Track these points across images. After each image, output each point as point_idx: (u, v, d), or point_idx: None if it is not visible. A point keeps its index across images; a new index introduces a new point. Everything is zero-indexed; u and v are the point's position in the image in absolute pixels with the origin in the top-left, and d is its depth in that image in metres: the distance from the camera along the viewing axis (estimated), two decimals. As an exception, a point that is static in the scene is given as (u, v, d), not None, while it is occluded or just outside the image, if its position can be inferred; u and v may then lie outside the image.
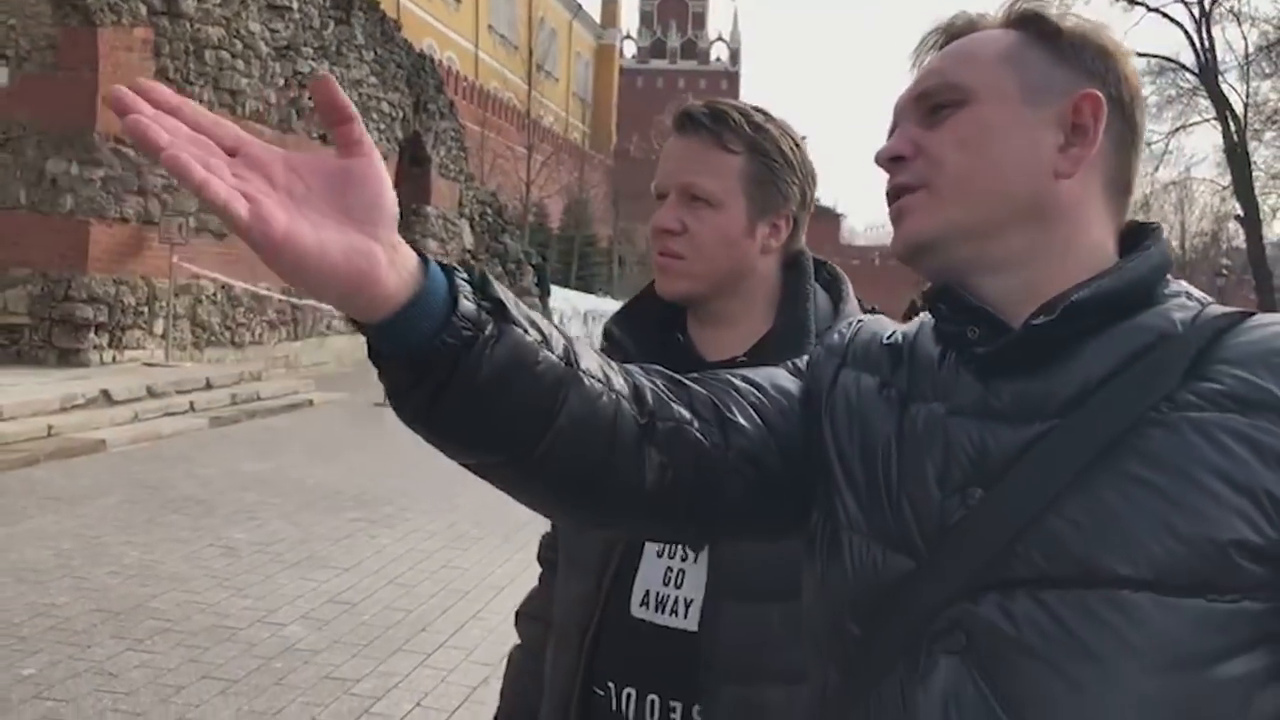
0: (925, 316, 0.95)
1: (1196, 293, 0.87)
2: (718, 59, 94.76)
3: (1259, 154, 25.61)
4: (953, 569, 0.82)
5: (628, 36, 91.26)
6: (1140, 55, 22.27)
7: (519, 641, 1.63)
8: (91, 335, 11.38)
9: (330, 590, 5.36)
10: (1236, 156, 24.19)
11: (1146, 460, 0.77)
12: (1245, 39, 24.78)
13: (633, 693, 1.32)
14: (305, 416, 11.56)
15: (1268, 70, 24.50)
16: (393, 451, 9.13)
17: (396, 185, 0.75)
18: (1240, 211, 25.56)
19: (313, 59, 15.29)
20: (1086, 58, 0.87)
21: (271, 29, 14.31)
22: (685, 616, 1.30)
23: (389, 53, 18.05)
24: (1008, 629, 0.79)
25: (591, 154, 52.11)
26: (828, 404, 0.96)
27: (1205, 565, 0.74)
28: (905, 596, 0.85)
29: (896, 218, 0.90)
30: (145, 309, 12.08)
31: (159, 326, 12.21)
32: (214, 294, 13.23)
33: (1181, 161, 68.26)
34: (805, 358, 1.04)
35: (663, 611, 1.31)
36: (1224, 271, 35.06)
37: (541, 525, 1.67)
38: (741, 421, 0.92)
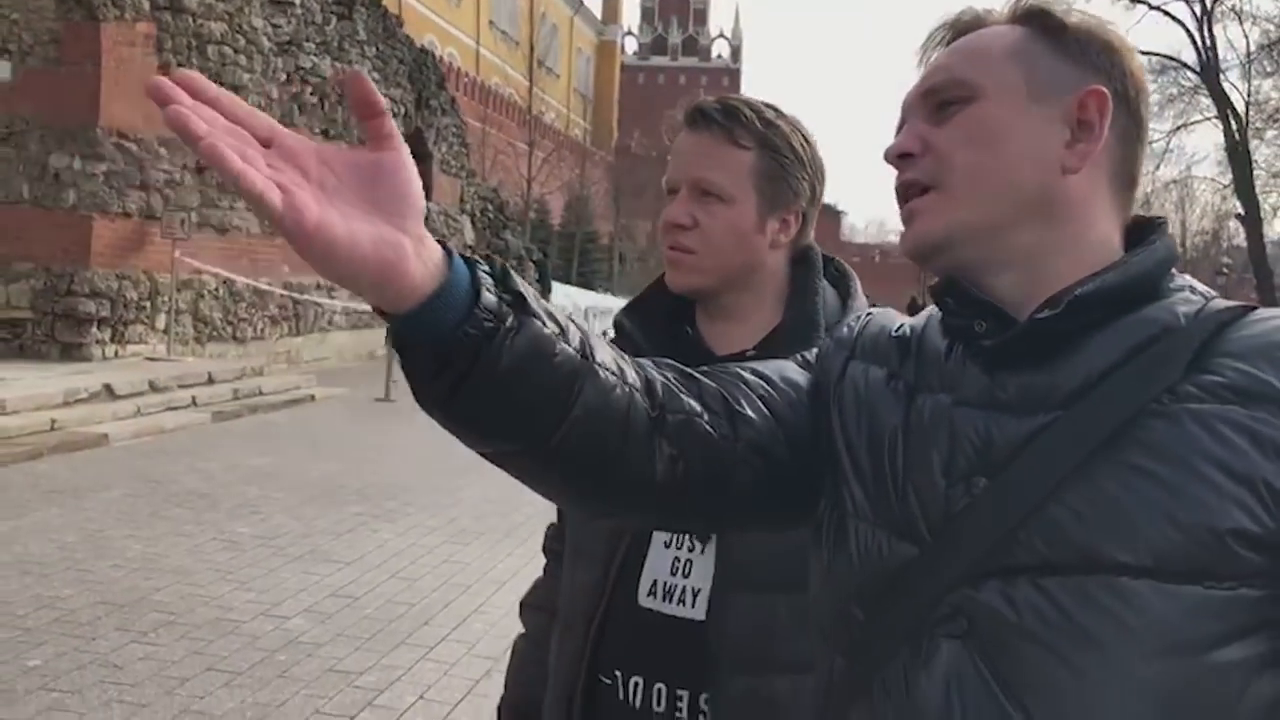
0: (933, 309, 0.96)
1: (1201, 287, 0.88)
2: (719, 56, 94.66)
3: (1260, 153, 25.64)
4: (956, 556, 0.84)
5: (629, 33, 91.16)
6: (1142, 53, 22.19)
7: (523, 631, 1.64)
8: (94, 330, 11.41)
9: (333, 584, 5.38)
10: (1238, 155, 24.20)
11: (1147, 451, 0.79)
12: (1247, 37, 24.81)
13: (640, 681, 1.34)
14: (307, 411, 11.57)
15: (1269, 69, 24.50)
16: (394, 447, 9.16)
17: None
18: (1241, 210, 25.58)
19: (315, 54, 15.31)
20: (1092, 53, 0.88)
21: (274, 24, 14.32)
22: (693, 606, 1.31)
23: (391, 48, 18.06)
24: (1009, 614, 0.80)
25: (592, 150, 52.10)
26: (836, 395, 0.98)
27: (1203, 553, 0.76)
28: (909, 582, 0.86)
29: (907, 219, 0.91)
30: (147, 304, 12.11)
31: (161, 321, 12.24)
32: (216, 289, 13.24)
33: (1182, 160, 68.36)
34: (814, 350, 1.05)
35: (670, 601, 1.33)
36: (1225, 270, 35.07)
37: (543, 520, 1.69)
38: (750, 414, 0.93)
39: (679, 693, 1.31)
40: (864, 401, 0.95)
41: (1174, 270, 0.88)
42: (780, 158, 1.37)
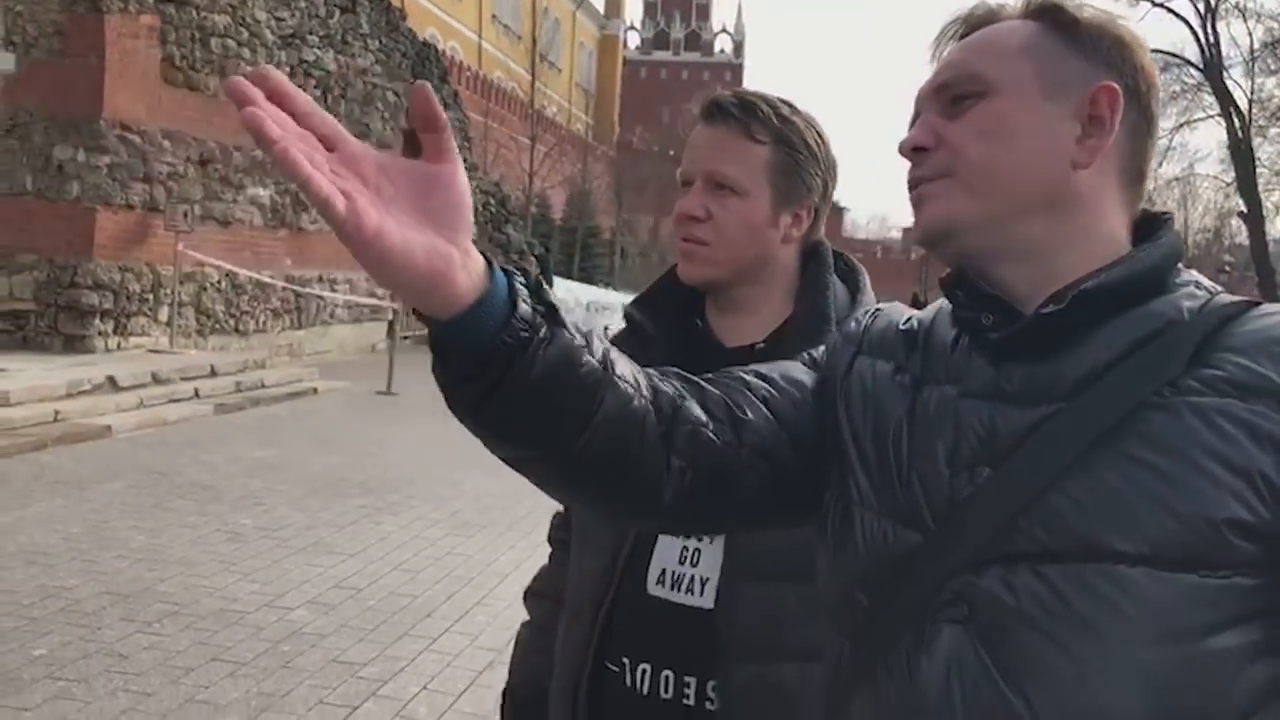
0: (942, 303, 0.98)
1: (1206, 282, 0.90)
2: (721, 51, 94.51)
3: (1263, 150, 25.58)
4: (958, 543, 0.86)
5: (631, 27, 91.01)
6: (1145, 50, 22.11)
7: (527, 619, 1.66)
8: (97, 322, 11.42)
9: (336, 575, 5.41)
10: (1240, 153, 24.15)
11: (1147, 442, 0.81)
12: (1250, 35, 24.73)
13: (647, 668, 1.36)
14: (309, 404, 11.59)
15: (1273, 66, 24.44)
16: (397, 439, 9.18)
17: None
18: (1244, 208, 25.54)
19: (318, 48, 15.30)
20: (1104, 48, 0.90)
21: (277, 17, 14.32)
22: (701, 594, 1.33)
23: (394, 42, 18.04)
24: (1008, 600, 0.83)
25: (594, 145, 52.04)
26: (843, 390, 1.00)
27: (1199, 542, 0.78)
28: (913, 569, 0.88)
29: (917, 204, 0.92)
30: (150, 296, 12.12)
31: (164, 313, 12.25)
32: (218, 281, 13.26)
33: (1185, 157, 68.31)
34: (821, 348, 1.07)
35: (679, 589, 1.35)
36: (1227, 268, 34.99)
37: (545, 513, 1.70)
38: (752, 418, 0.95)
39: (686, 679, 1.33)
40: (870, 395, 0.97)
41: (1180, 265, 0.90)
42: (795, 153, 1.39)
